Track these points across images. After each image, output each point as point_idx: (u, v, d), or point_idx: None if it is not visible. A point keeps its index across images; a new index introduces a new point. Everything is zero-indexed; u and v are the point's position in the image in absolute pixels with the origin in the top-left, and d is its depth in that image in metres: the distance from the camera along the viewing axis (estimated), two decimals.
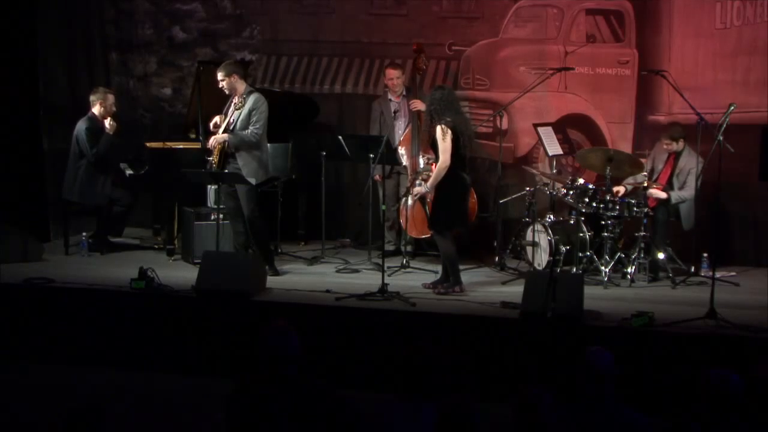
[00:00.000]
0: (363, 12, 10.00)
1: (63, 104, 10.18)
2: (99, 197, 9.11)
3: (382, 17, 9.96)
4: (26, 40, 9.62)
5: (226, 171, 8.18)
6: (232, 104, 8.25)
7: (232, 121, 8.18)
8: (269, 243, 8.58)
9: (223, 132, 8.19)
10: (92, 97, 9.17)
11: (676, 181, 8.44)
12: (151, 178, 9.21)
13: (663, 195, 8.33)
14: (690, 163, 8.37)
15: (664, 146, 8.51)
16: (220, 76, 8.16)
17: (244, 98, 8.17)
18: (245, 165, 8.17)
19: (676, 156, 8.48)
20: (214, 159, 8.24)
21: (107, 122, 9.06)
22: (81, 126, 9.06)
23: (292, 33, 10.23)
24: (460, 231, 8.13)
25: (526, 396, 4.14)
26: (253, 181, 8.17)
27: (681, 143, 8.45)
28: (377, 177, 8.72)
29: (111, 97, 9.21)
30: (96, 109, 9.12)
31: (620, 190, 8.44)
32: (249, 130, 8.11)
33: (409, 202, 8.60)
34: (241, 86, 8.22)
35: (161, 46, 10.63)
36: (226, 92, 8.21)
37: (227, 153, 8.22)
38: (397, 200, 8.84)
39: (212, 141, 8.20)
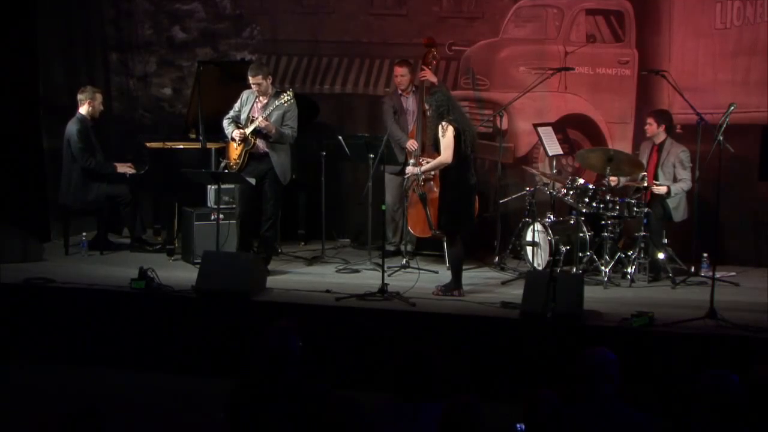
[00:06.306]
0: (363, 12, 10.00)
1: (63, 104, 10.15)
2: (95, 200, 9.09)
3: (382, 17, 9.96)
4: (26, 40, 9.61)
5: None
6: (256, 102, 8.25)
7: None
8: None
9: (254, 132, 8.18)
10: (80, 96, 9.14)
11: (661, 174, 8.41)
12: (151, 178, 9.21)
13: (663, 189, 8.29)
14: (673, 155, 8.37)
15: (646, 126, 8.50)
16: (259, 77, 8.15)
17: (273, 98, 8.22)
18: (280, 164, 8.27)
19: (658, 148, 8.47)
20: (234, 160, 8.24)
21: (126, 169, 9.11)
22: (72, 128, 9.02)
23: (292, 33, 10.23)
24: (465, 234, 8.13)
25: (533, 397, 4.14)
26: (283, 181, 8.31)
27: (662, 132, 8.43)
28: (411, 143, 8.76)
29: (99, 97, 9.18)
30: (84, 109, 9.10)
31: (614, 180, 8.36)
32: (288, 131, 8.20)
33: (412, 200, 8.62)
34: (271, 87, 8.34)
35: (161, 46, 10.63)
36: (260, 93, 8.22)
37: (252, 154, 8.22)
38: (402, 199, 8.86)
39: (262, 122, 8.09)
